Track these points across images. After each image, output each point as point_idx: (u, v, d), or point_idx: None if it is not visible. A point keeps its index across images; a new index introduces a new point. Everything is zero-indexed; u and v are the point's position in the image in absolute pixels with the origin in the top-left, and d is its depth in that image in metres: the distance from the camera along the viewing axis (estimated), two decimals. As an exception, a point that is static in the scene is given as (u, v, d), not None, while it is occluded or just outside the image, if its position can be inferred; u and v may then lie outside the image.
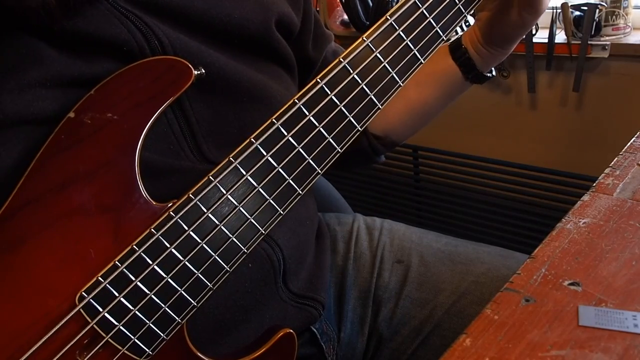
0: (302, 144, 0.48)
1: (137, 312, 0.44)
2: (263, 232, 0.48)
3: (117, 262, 0.43)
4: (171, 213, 0.44)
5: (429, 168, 1.71)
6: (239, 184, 0.46)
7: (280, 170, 0.47)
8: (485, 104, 1.58)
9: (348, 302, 0.70)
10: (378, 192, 1.86)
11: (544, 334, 0.39)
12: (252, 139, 0.46)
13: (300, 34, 0.64)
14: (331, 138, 0.49)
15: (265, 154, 0.47)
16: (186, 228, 0.45)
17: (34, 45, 0.44)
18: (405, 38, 0.51)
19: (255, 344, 0.52)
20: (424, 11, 0.52)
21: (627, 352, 0.37)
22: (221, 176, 0.46)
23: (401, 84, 0.52)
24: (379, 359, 0.68)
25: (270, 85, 0.57)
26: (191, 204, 0.45)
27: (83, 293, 0.42)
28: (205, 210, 0.45)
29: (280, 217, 0.49)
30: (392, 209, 1.85)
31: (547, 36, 1.40)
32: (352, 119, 0.50)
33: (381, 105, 0.51)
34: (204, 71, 0.47)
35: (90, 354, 0.43)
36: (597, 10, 1.31)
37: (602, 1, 1.32)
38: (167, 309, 0.45)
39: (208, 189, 0.45)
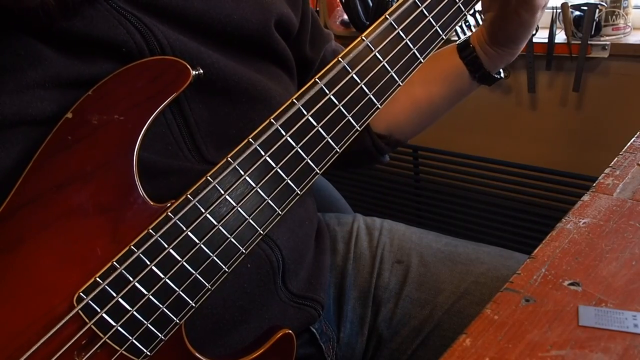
0: (301, 144, 0.48)
1: (135, 312, 0.44)
2: (261, 232, 0.48)
3: (115, 263, 0.43)
4: (169, 214, 0.44)
5: (429, 168, 1.71)
6: (237, 184, 0.46)
7: (279, 170, 0.47)
8: (485, 104, 1.58)
9: (348, 303, 0.69)
10: (378, 192, 1.86)
11: (544, 334, 0.39)
12: (250, 139, 0.46)
13: (298, 34, 0.64)
14: (330, 138, 0.49)
15: (263, 154, 0.47)
16: (184, 228, 0.45)
17: (33, 46, 0.44)
18: (404, 37, 0.51)
19: (254, 345, 0.52)
20: (424, 10, 0.51)
21: (627, 352, 0.37)
22: (220, 177, 0.45)
23: (400, 84, 0.52)
24: (379, 359, 0.68)
25: (269, 86, 0.57)
26: (189, 204, 0.45)
27: (81, 294, 0.42)
28: (204, 211, 0.45)
29: (279, 217, 0.49)
30: (392, 209, 1.85)
31: (547, 36, 1.40)
32: (351, 118, 0.50)
33: (380, 104, 0.51)
34: (202, 71, 0.47)
35: (88, 355, 0.43)
36: (597, 10, 1.31)
37: (602, 1, 1.32)
38: (165, 309, 0.45)
39: (206, 189, 0.45)
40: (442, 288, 0.66)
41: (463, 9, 0.54)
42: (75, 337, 0.42)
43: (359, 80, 0.49)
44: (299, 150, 0.48)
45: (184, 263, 0.45)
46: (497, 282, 0.64)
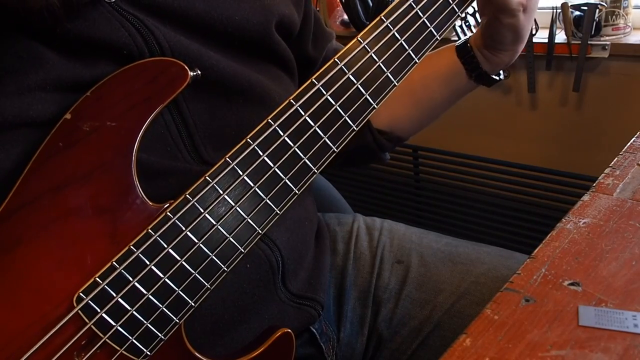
0: (298, 143, 0.48)
1: (134, 312, 0.44)
2: (260, 232, 0.48)
3: (114, 263, 0.43)
4: (168, 214, 0.44)
5: (429, 168, 1.71)
6: (235, 184, 0.46)
7: (277, 170, 0.47)
8: (485, 104, 1.58)
9: (348, 303, 0.69)
10: (378, 192, 1.86)
11: (544, 334, 0.39)
12: (248, 140, 0.46)
13: (300, 33, 0.64)
14: (327, 138, 0.49)
15: (261, 154, 0.47)
16: (183, 228, 0.45)
17: (34, 48, 0.44)
18: (399, 38, 0.51)
19: (254, 344, 0.52)
20: (418, 11, 0.52)
21: (627, 352, 0.36)
22: (218, 176, 0.45)
23: (396, 84, 0.52)
24: (379, 359, 0.68)
25: (269, 87, 0.57)
26: (188, 204, 0.45)
27: (81, 294, 0.42)
28: (202, 211, 0.45)
29: (277, 216, 0.49)
30: (392, 209, 1.85)
31: (547, 36, 1.40)
32: (347, 118, 0.50)
33: (376, 104, 0.51)
34: (199, 72, 0.47)
35: (88, 355, 0.43)
36: (597, 10, 1.31)
37: (602, 1, 1.32)
38: (164, 309, 0.45)
39: (205, 189, 0.45)
40: (442, 288, 0.66)
41: (457, 10, 0.55)
42: (75, 338, 0.42)
43: (355, 81, 0.50)
44: (296, 150, 0.48)
45: (183, 263, 0.45)
46: (497, 282, 0.64)
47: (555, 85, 1.46)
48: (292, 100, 0.48)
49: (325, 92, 0.49)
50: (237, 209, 0.46)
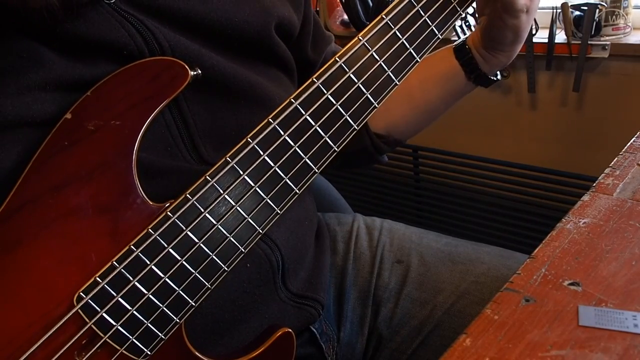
0: (299, 143, 0.48)
1: (135, 312, 0.44)
2: (260, 231, 0.48)
3: (114, 263, 0.43)
4: (168, 213, 0.44)
5: (429, 168, 1.71)
6: (235, 183, 0.46)
7: (277, 169, 0.47)
8: (485, 104, 1.58)
9: (348, 302, 0.69)
10: (378, 192, 1.86)
11: (544, 334, 0.39)
12: (248, 139, 0.46)
13: (299, 36, 0.64)
14: (327, 137, 0.49)
15: (262, 153, 0.47)
16: (183, 228, 0.45)
17: (35, 48, 0.44)
18: (400, 37, 0.51)
19: (254, 344, 0.52)
20: (420, 10, 0.52)
21: (627, 352, 0.36)
22: (218, 176, 0.45)
23: (397, 83, 0.52)
24: (379, 359, 0.68)
25: (269, 88, 0.57)
26: (188, 204, 0.45)
27: (81, 293, 0.42)
28: (203, 210, 0.45)
29: (278, 216, 0.49)
30: (392, 209, 1.85)
31: (547, 36, 1.40)
32: (348, 117, 0.50)
33: (377, 104, 0.51)
34: (200, 72, 0.47)
35: (89, 354, 0.43)
36: (597, 10, 1.31)
37: (602, 1, 1.32)
38: (165, 308, 0.45)
39: (205, 189, 0.45)
40: (442, 288, 0.66)
41: (458, 9, 0.54)
42: (76, 337, 0.42)
43: (356, 80, 0.50)
44: (297, 149, 0.48)
45: (184, 262, 0.45)
46: (497, 282, 0.64)
47: (555, 85, 1.46)
48: (292, 99, 0.47)
49: (325, 91, 0.48)
50: (238, 208, 0.46)
